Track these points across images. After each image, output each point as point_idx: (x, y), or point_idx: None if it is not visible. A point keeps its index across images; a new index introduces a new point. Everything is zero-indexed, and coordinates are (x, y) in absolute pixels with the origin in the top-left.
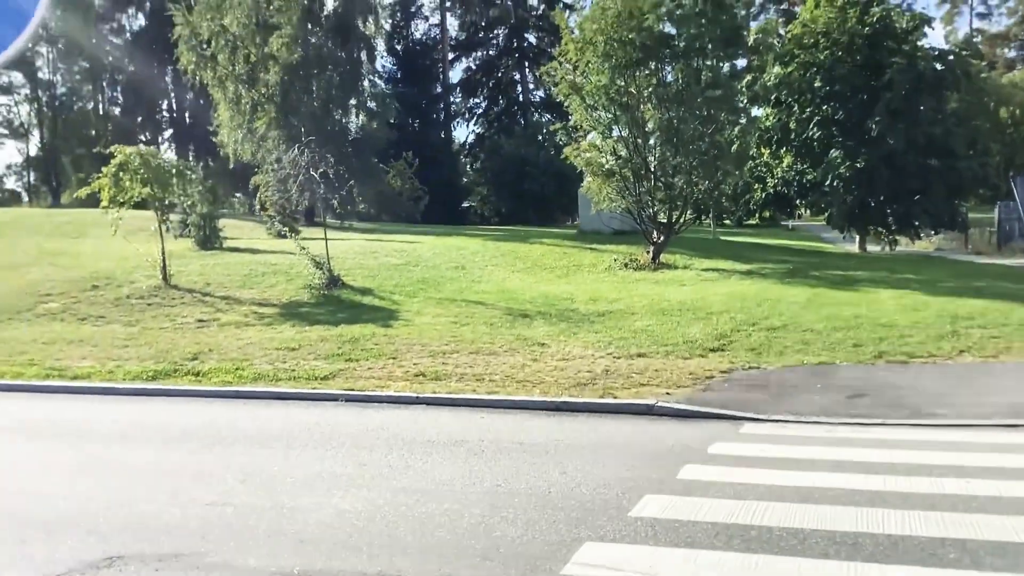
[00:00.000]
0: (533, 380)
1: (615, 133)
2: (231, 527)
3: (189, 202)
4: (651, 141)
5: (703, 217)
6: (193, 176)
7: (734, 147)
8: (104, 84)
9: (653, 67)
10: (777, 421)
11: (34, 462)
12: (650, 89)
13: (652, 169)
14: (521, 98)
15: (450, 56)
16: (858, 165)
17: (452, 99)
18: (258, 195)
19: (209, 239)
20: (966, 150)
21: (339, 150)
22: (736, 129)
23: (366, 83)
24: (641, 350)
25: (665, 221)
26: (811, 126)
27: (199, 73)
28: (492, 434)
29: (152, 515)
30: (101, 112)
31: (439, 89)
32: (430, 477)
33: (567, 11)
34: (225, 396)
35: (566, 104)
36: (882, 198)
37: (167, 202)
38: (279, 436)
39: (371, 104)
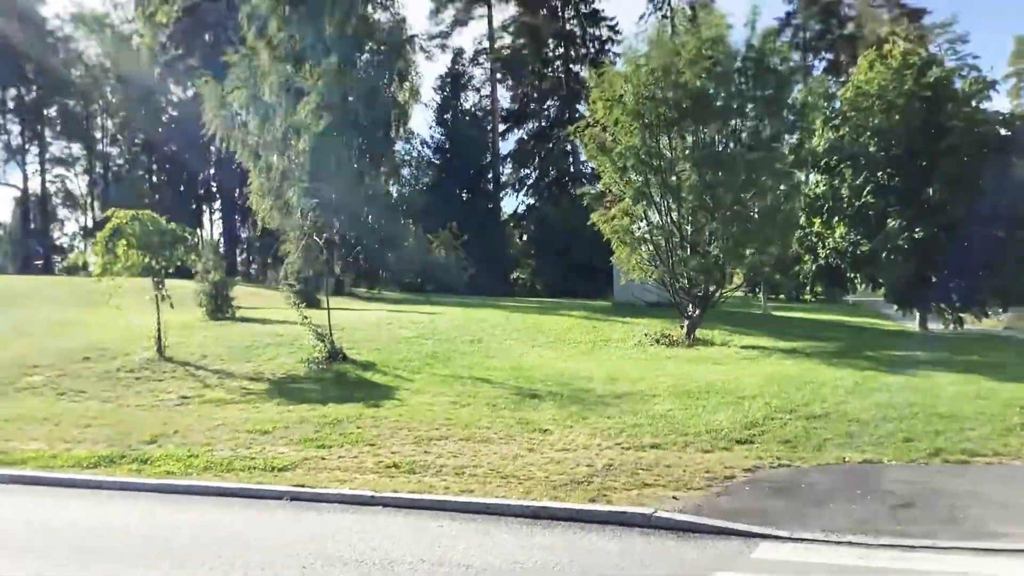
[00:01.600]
0: (520, 476)
1: (646, 199)
2: None
3: (202, 269)
4: (685, 207)
5: (756, 290)
6: (193, 241)
7: (778, 214)
8: (154, 156)
9: (688, 128)
10: (801, 540)
11: None
12: (685, 151)
13: (686, 236)
14: (572, 168)
15: (501, 127)
16: (916, 235)
17: (503, 170)
18: (283, 265)
19: (221, 308)
20: None
21: (368, 218)
22: (779, 194)
23: (399, 148)
24: (656, 440)
25: (701, 294)
26: (864, 194)
27: (228, 142)
28: (439, 552)
29: None
30: (154, 182)
31: (488, 159)
32: None
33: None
34: (161, 491)
35: (595, 166)
36: (945, 272)
37: (164, 270)
38: (169, 552)
39: (404, 171)
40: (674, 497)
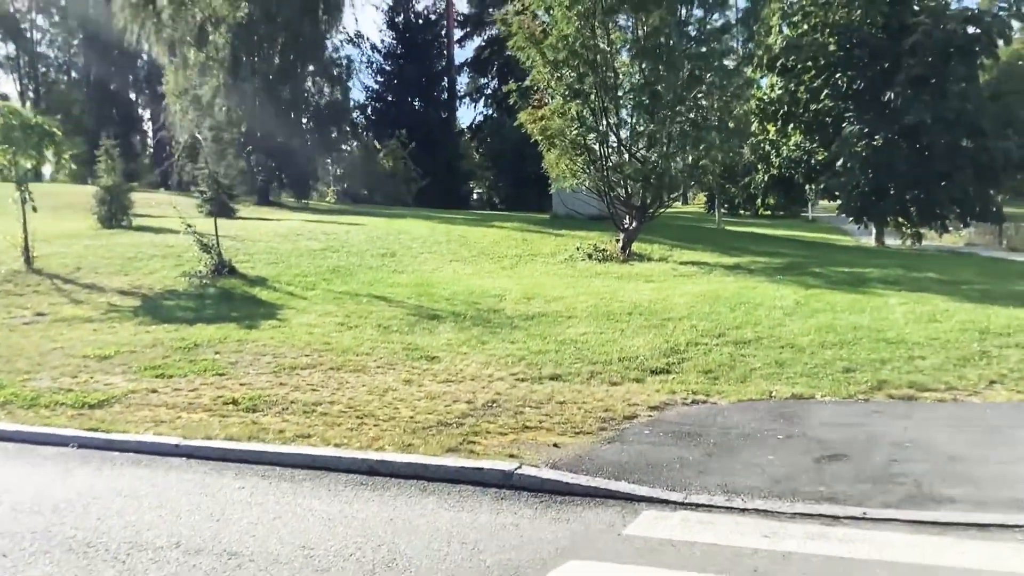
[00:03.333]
0: (380, 416)
1: (579, 97)
2: None
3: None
4: (621, 106)
5: (717, 206)
6: (60, 137)
7: (725, 115)
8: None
9: (629, 16)
10: (696, 508)
11: None
12: (624, 43)
13: (622, 140)
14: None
15: (458, 33)
16: (875, 143)
17: (459, 79)
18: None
19: (115, 216)
20: (1002, 128)
21: (293, 122)
22: (727, 94)
23: (341, 51)
24: (557, 370)
25: (638, 204)
26: (822, 97)
27: (140, 33)
28: (211, 530)
29: None
30: (89, 82)
31: (443, 66)
32: None
33: None
34: None
35: (524, 60)
36: (903, 183)
37: (24, 169)
38: None
39: (335, 71)
40: (555, 445)
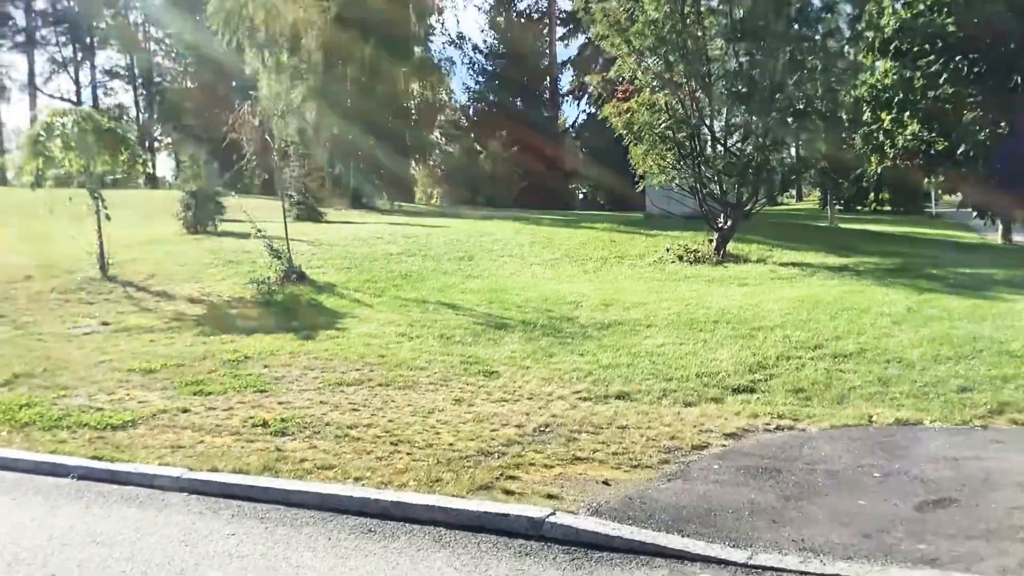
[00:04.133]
0: (418, 442)
1: (668, 87)
2: None
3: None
4: (714, 95)
5: (833, 202)
6: (132, 143)
7: (830, 102)
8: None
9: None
10: (759, 571)
11: None
12: (716, 27)
13: (715, 132)
14: None
15: (560, 31)
16: (1000, 130)
17: (564, 77)
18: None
19: (200, 220)
20: None
21: (385, 124)
22: (832, 79)
23: (439, 50)
24: (626, 387)
25: (734, 201)
26: (941, 82)
27: (233, 38)
28: None
29: None
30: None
31: (545, 65)
32: None
33: None
34: None
35: (608, 49)
36: None
37: (96, 174)
38: None
39: (429, 72)
40: (605, 482)
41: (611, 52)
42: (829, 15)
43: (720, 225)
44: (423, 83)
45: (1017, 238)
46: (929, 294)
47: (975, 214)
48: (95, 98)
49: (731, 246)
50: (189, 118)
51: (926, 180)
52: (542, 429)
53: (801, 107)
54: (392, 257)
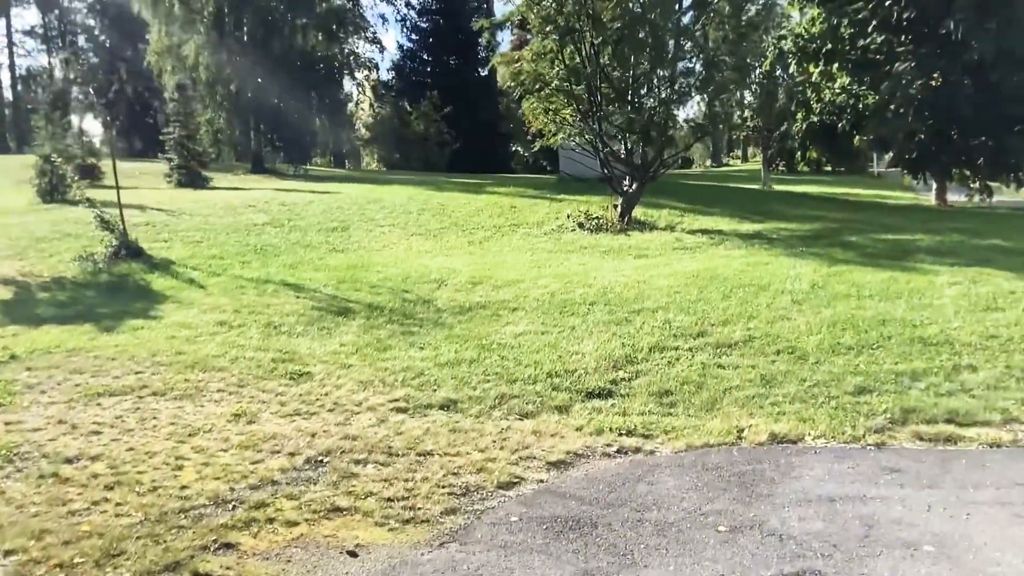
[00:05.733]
0: (141, 486)
1: (560, 32)
2: None
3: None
4: (611, 40)
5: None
6: None
7: (744, 49)
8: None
9: None
10: None
11: None
12: None
13: (615, 83)
14: None
15: None
16: (933, 81)
17: (503, 35)
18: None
19: (56, 189)
20: None
21: (286, 81)
22: (742, 23)
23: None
24: (455, 393)
25: (639, 162)
26: (870, 30)
27: None
28: None
29: None
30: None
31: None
32: None
33: None
34: None
35: None
36: (967, 129)
37: None
38: None
39: (334, 25)
40: (352, 552)
41: None
42: None
43: (625, 189)
44: (327, 37)
45: (954, 198)
46: (842, 266)
47: (907, 173)
48: (11, 57)
49: (639, 211)
50: (102, 80)
51: (856, 138)
52: (319, 460)
53: (709, 57)
54: (255, 228)
